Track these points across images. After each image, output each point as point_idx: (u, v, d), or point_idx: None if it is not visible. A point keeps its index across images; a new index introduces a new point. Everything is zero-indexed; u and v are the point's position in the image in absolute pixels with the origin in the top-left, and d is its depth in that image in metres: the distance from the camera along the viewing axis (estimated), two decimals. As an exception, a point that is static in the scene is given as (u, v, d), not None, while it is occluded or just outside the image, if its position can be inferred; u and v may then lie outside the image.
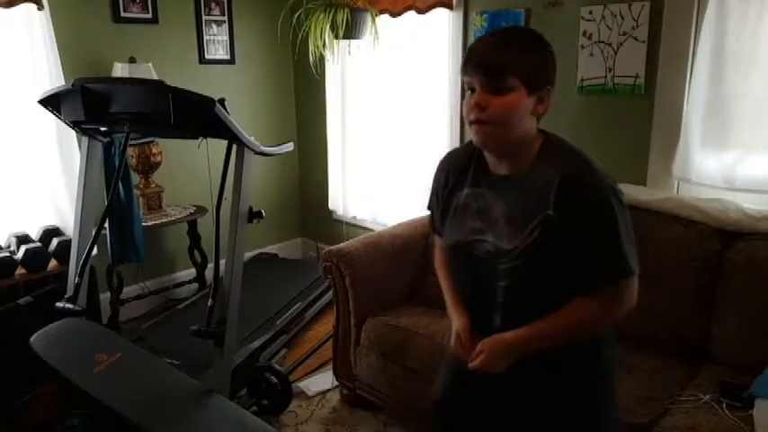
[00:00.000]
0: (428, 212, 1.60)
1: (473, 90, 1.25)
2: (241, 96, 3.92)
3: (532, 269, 1.28)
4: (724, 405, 1.80)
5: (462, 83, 1.31)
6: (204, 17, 3.67)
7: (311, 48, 3.28)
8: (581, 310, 1.29)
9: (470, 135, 1.30)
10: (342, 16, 3.10)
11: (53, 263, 2.89)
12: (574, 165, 1.28)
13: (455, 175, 1.43)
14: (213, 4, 3.71)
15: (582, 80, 2.69)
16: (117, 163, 2.60)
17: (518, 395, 1.41)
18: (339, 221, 4.09)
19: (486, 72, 1.22)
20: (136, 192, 3.28)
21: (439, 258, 1.59)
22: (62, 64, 3.00)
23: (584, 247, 1.25)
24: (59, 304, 2.13)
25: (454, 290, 1.51)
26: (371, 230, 3.45)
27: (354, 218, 3.98)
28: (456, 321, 1.46)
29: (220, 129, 1.99)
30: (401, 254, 2.69)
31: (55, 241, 2.93)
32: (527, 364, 1.32)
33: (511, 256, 1.28)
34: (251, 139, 2.11)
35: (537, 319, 1.31)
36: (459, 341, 1.42)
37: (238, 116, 2.08)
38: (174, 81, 2.04)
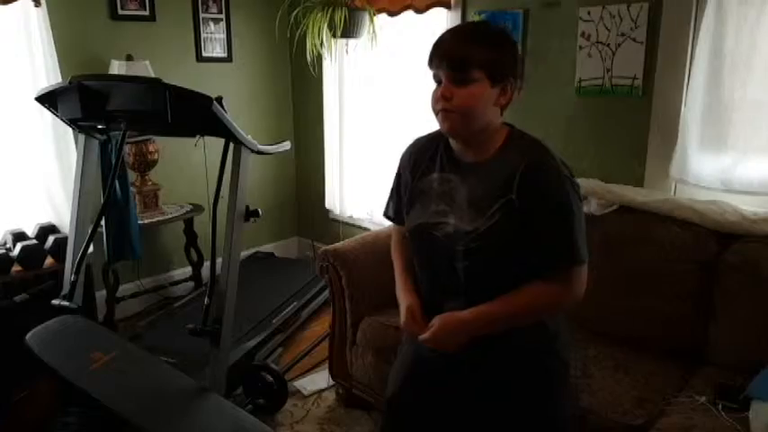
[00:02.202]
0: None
1: (440, 81, 1.33)
2: (238, 95, 3.91)
3: (490, 251, 1.34)
4: (720, 407, 1.80)
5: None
6: (201, 15, 3.67)
7: (309, 46, 3.27)
8: (532, 293, 1.34)
9: (437, 122, 1.37)
10: (339, 15, 3.09)
11: (49, 260, 2.88)
12: (538, 154, 1.34)
13: (421, 162, 1.49)
14: (210, 2, 3.70)
15: (580, 81, 2.69)
16: (114, 161, 2.59)
17: (470, 392, 1.46)
18: (336, 221, 4.09)
19: (450, 64, 1.30)
20: (132, 190, 3.27)
21: (394, 241, 1.65)
22: (59, 61, 2.99)
23: (539, 232, 1.31)
24: (55, 302, 2.12)
25: (406, 272, 1.56)
26: (368, 230, 3.45)
27: (351, 217, 3.97)
28: (406, 299, 1.49)
29: (217, 127, 1.98)
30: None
31: (51, 239, 2.92)
32: (479, 356, 1.40)
33: (470, 238, 1.34)
34: (248, 137, 2.10)
35: (485, 298, 1.36)
36: (410, 316, 1.46)
37: (235, 114, 2.08)
38: (171, 79, 2.03)
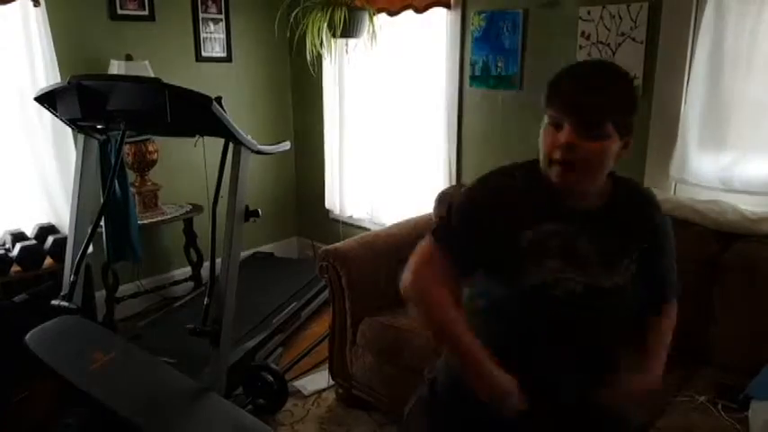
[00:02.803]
0: (441, 246, 1.31)
1: (558, 125, 1.15)
2: (238, 94, 3.90)
3: (628, 303, 1.27)
4: (720, 406, 1.81)
5: (550, 116, 1.17)
6: (201, 15, 3.66)
7: (308, 46, 3.27)
8: (668, 326, 1.40)
9: (548, 170, 1.19)
10: (339, 15, 3.09)
11: (48, 261, 2.88)
12: (647, 194, 1.37)
13: (520, 209, 1.22)
14: (210, 2, 3.69)
15: (579, 80, 2.68)
16: (113, 161, 2.59)
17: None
18: (335, 221, 4.09)
19: (582, 117, 1.12)
20: (132, 190, 3.27)
21: (440, 294, 1.28)
22: (58, 61, 2.98)
23: (662, 273, 1.35)
24: (55, 302, 2.12)
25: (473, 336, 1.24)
26: (368, 230, 3.44)
27: (351, 217, 3.97)
28: (502, 379, 1.19)
29: (217, 127, 1.99)
30: (397, 253, 2.67)
31: (50, 239, 2.92)
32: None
33: (609, 293, 1.21)
34: (247, 137, 2.10)
35: (608, 357, 1.31)
36: (512, 403, 1.19)
37: (235, 114, 2.08)
38: (170, 79, 2.03)
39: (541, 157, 1.20)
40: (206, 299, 2.08)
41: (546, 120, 1.18)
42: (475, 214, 1.25)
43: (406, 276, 1.33)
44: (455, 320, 1.25)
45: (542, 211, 1.21)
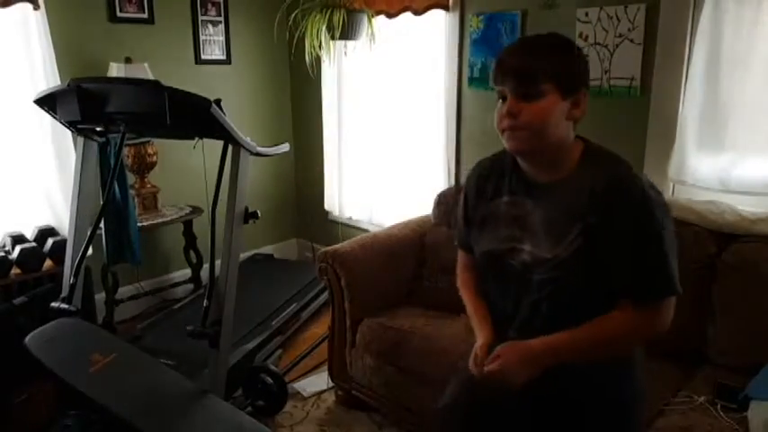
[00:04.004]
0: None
1: (504, 98, 1.23)
2: (237, 97, 3.91)
3: (570, 279, 1.23)
4: (719, 407, 1.81)
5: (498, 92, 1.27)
6: (200, 17, 3.67)
7: (307, 48, 3.28)
8: (617, 322, 1.22)
9: (504, 143, 1.27)
10: (338, 17, 3.10)
11: (48, 263, 2.88)
12: (619, 171, 1.24)
13: (488, 185, 1.38)
14: (209, 5, 3.70)
15: (578, 82, 2.69)
16: (113, 163, 2.60)
17: (539, 415, 1.32)
18: (335, 222, 4.09)
19: (516, 78, 1.19)
20: (131, 192, 3.27)
21: (463, 278, 1.53)
22: (58, 64, 2.99)
23: (627, 259, 1.20)
24: (54, 304, 2.12)
25: (481, 309, 1.44)
26: (367, 231, 3.45)
27: (350, 218, 3.98)
28: (481, 335, 1.37)
29: (216, 129, 1.99)
30: (397, 255, 2.69)
31: (50, 241, 2.92)
32: (550, 381, 1.24)
33: (549, 266, 1.24)
34: (247, 139, 2.11)
35: (561, 328, 1.25)
36: (475, 357, 1.33)
37: (234, 117, 2.08)
38: (169, 81, 2.03)
39: (499, 134, 1.28)
40: (205, 301, 2.08)
41: (496, 96, 1.27)
42: (463, 194, 1.47)
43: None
44: (468, 293, 1.49)
45: (504, 186, 1.34)
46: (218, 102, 1.94)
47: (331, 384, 2.76)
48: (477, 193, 1.41)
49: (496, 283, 1.38)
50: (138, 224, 3.23)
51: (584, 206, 1.21)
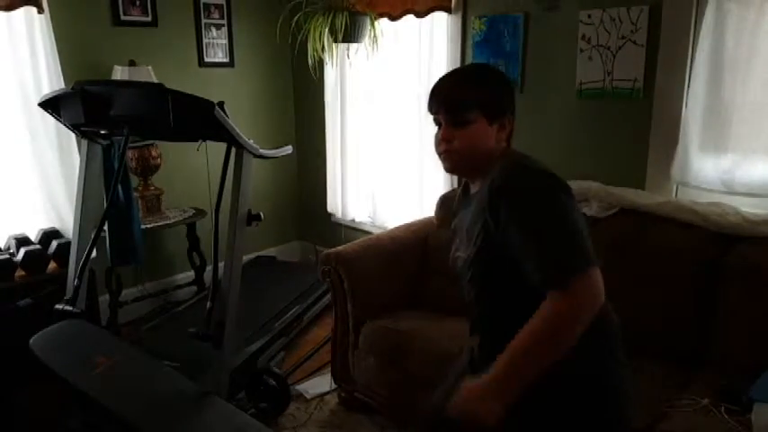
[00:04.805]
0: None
1: (440, 124, 1.37)
2: (240, 99, 3.92)
3: (483, 275, 1.36)
4: (722, 409, 1.80)
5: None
6: (204, 20, 3.68)
7: (310, 51, 3.28)
8: (540, 317, 1.19)
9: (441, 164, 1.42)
10: (341, 20, 3.10)
11: (52, 265, 2.89)
12: (503, 170, 1.28)
13: (455, 205, 1.57)
14: (213, 8, 3.72)
15: (581, 84, 2.69)
16: (116, 165, 2.60)
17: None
18: (338, 224, 4.10)
19: (448, 108, 1.34)
20: (135, 194, 3.28)
21: None
22: (62, 67, 3.00)
23: (521, 248, 1.22)
24: (58, 306, 2.13)
25: None
26: (370, 233, 3.45)
27: (353, 221, 3.98)
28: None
29: (219, 132, 1.99)
30: (400, 257, 2.69)
31: (54, 243, 2.93)
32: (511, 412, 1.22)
33: (467, 265, 1.38)
34: (250, 142, 2.11)
35: (500, 329, 1.26)
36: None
37: (237, 119, 2.08)
38: (173, 84, 2.04)
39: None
40: (208, 303, 2.09)
41: (433, 123, 1.40)
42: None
43: None
44: None
45: (461, 203, 1.51)
46: (221, 104, 1.95)
47: (334, 386, 2.76)
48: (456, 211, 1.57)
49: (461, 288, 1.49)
50: (142, 226, 3.24)
51: (483, 206, 1.30)
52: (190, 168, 3.63)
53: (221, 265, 2.08)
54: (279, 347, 3.06)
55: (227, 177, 2.09)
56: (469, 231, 1.36)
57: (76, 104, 2.05)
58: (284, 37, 3.49)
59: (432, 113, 1.39)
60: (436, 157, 1.41)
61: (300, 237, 4.54)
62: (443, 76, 1.42)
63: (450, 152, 1.35)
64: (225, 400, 2.02)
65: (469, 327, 1.49)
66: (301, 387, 2.84)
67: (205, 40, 3.71)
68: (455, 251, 1.46)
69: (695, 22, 2.36)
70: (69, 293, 2.16)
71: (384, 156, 3.70)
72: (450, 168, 1.42)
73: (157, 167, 3.45)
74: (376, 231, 3.44)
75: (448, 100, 1.35)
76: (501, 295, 1.35)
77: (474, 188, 1.44)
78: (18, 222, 3.08)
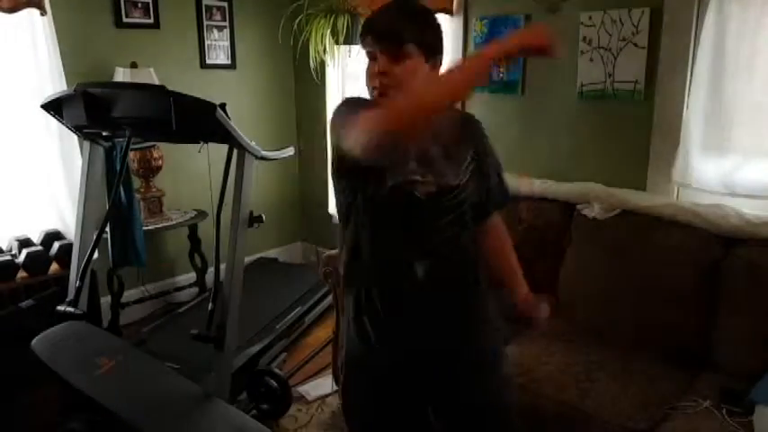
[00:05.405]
0: None
1: (373, 58, 1.35)
2: (242, 101, 3.93)
3: (471, 198, 1.43)
4: (724, 411, 1.80)
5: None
6: (205, 22, 3.69)
7: (312, 53, 3.29)
8: (505, 235, 1.63)
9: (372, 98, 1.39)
10: (342, 22, 3.11)
11: (54, 266, 2.89)
12: (470, 115, 1.59)
13: None
14: (214, 10, 3.72)
15: (582, 85, 2.69)
16: (118, 167, 2.61)
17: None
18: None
19: (386, 40, 1.32)
20: (137, 196, 3.29)
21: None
22: (64, 69, 3.01)
23: (489, 174, 1.50)
24: (60, 308, 2.13)
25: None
26: (372, 235, 3.45)
27: (355, 222, 3.97)
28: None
29: (221, 133, 2.00)
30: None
31: (56, 245, 2.93)
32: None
33: (457, 190, 1.39)
34: (251, 143, 2.12)
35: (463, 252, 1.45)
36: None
37: (239, 121, 2.09)
38: (175, 86, 2.05)
39: (368, 90, 1.40)
40: (210, 304, 2.09)
41: (366, 57, 1.38)
42: None
43: (360, 134, 1.26)
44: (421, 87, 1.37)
45: None
46: (222, 106, 1.96)
47: (335, 388, 2.76)
48: None
49: (396, 216, 1.40)
50: (144, 228, 3.24)
51: (468, 137, 1.45)
52: (191, 170, 3.64)
53: (223, 266, 2.09)
54: (280, 349, 3.06)
55: (229, 179, 2.10)
56: (451, 158, 1.39)
57: (79, 106, 2.06)
58: (286, 39, 3.49)
59: (366, 47, 1.36)
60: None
61: (302, 238, 4.54)
62: (380, 9, 1.39)
63: (387, 86, 1.33)
64: (226, 402, 2.03)
65: (397, 252, 1.41)
66: (303, 389, 2.84)
67: (207, 42, 3.72)
68: (416, 175, 1.36)
69: (696, 23, 2.36)
70: (71, 295, 2.17)
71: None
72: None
73: (159, 169, 3.45)
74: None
75: (388, 32, 1.33)
76: (467, 221, 1.44)
77: None
78: (20, 224, 3.08)
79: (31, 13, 2.88)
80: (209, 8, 3.69)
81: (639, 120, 2.56)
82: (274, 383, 2.58)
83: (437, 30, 1.39)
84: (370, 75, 1.36)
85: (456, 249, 1.43)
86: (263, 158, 2.21)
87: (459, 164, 1.40)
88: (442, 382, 1.46)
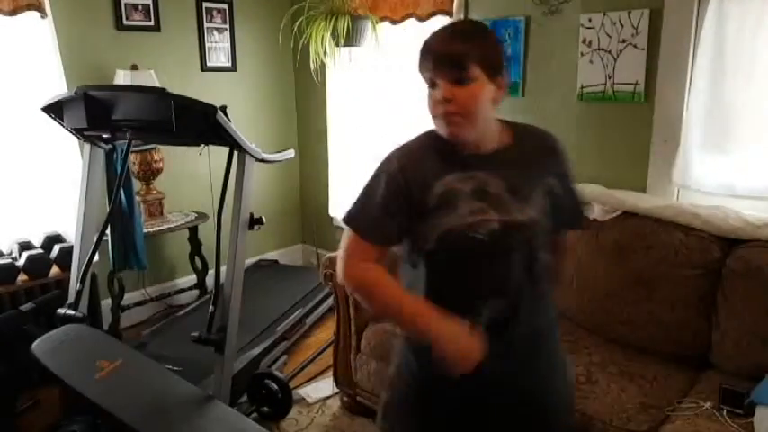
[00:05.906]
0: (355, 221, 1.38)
1: (433, 85, 1.28)
2: (242, 103, 3.93)
3: (542, 234, 1.32)
4: (725, 412, 1.80)
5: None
6: (206, 25, 3.69)
7: (312, 55, 3.29)
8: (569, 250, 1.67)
9: (439, 128, 1.31)
10: (343, 24, 3.11)
11: (55, 269, 2.89)
12: (537, 129, 1.43)
13: (424, 168, 1.33)
14: (215, 12, 3.73)
15: (582, 87, 2.70)
16: (119, 170, 2.62)
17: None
18: (340, 228, 4.09)
19: (448, 64, 1.25)
20: (137, 198, 3.29)
21: (376, 272, 1.35)
22: (65, 71, 3.02)
23: (574, 196, 1.44)
24: (61, 311, 2.14)
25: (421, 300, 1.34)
26: (372, 237, 3.45)
27: (355, 224, 3.97)
28: (454, 327, 1.25)
29: (222, 136, 2.00)
30: (401, 260, 2.68)
31: (57, 248, 2.94)
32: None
33: (524, 226, 1.29)
34: (252, 146, 2.12)
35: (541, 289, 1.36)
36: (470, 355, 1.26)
37: (239, 123, 2.09)
38: (175, 88, 2.05)
39: (432, 119, 1.32)
40: (211, 307, 2.09)
41: (426, 85, 1.30)
42: (384, 189, 1.33)
43: (339, 269, 1.37)
44: (393, 290, 1.34)
45: (446, 166, 1.31)
46: (223, 108, 1.96)
47: (336, 390, 2.76)
48: (417, 177, 1.32)
49: (455, 260, 1.31)
50: (144, 230, 3.25)
51: (543, 163, 1.35)
52: (192, 172, 3.64)
53: (223, 268, 2.09)
54: (281, 351, 3.06)
55: (230, 181, 2.10)
56: (518, 190, 1.29)
57: (79, 109, 2.06)
58: (286, 41, 3.50)
59: (425, 73, 1.29)
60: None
61: (303, 240, 4.54)
62: (437, 32, 1.30)
63: (453, 113, 1.25)
64: (227, 405, 2.03)
65: (460, 300, 1.31)
66: (303, 391, 2.84)
67: (207, 45, 3.72)
68: (477, 215, 1.27)
69: (696, 25, 2.36)
70: (71, 298, 2.17)
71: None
72: (453, 133, 1.27)
73: (159, 171, 3.46)
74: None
75: (448, 55, 1.24)
76: (546, 254, 1.35)
77: (483, 148, 1.32)
78: (21, 227, 3.09)
79: (31, 16, 2.89)
80: (209, 10, 3.69)
81: (640, 121, 2.56)
82: (275, 386, 2.58)
83: (498, 47, 1.31)
84: (433, 102, 1.28)
85: (529, 282, 1.32)
86: (263, 161, 2.21)
87: (526, 197, 1.29)
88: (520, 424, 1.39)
